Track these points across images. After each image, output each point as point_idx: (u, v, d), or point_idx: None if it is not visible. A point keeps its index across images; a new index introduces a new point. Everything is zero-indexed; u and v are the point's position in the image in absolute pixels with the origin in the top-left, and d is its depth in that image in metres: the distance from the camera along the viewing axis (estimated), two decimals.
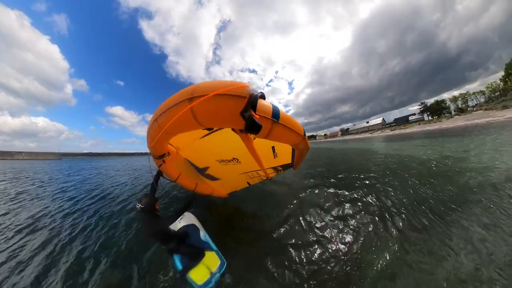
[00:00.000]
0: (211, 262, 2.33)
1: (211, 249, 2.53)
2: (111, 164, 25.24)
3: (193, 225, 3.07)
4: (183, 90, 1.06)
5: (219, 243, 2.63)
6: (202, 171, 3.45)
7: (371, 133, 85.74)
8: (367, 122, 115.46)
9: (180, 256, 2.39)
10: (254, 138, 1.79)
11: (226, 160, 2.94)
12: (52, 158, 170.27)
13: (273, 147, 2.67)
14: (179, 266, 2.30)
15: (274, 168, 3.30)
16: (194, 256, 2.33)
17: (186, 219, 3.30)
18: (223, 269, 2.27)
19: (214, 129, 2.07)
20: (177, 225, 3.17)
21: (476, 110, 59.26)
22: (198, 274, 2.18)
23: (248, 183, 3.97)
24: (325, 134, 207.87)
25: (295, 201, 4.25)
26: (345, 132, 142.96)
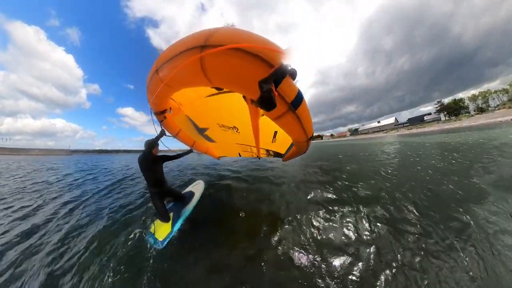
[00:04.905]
0: (163, 230, 2.42)
1: (176, 222, 2.56)
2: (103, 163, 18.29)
3: (191, 192, 3.31)
4: (195, 33, 0.85)
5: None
6: (201, 131, 3.26)
7: (385, 133, 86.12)
8: (378, 122, 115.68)
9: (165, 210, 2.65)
10: (262, 115, 1.65)
11: (227, 126, 2.84)
12: (62, 154, 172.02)
13: (276, 132, 2.63)
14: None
15: (267, 150, 3.40)
16: (162, 214, 2.56)
17: (196, 187, 3.62)
18: (165, 242, 2.22)
19: (224, 90, 1.78)
20: (190, 188, 3.60)
21: (499, 109, 59.35)
22: (159, 229, 2.45)
23: (239, 154, 4.08)
24: (331, 135, 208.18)
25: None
26: (354, 132, 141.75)
